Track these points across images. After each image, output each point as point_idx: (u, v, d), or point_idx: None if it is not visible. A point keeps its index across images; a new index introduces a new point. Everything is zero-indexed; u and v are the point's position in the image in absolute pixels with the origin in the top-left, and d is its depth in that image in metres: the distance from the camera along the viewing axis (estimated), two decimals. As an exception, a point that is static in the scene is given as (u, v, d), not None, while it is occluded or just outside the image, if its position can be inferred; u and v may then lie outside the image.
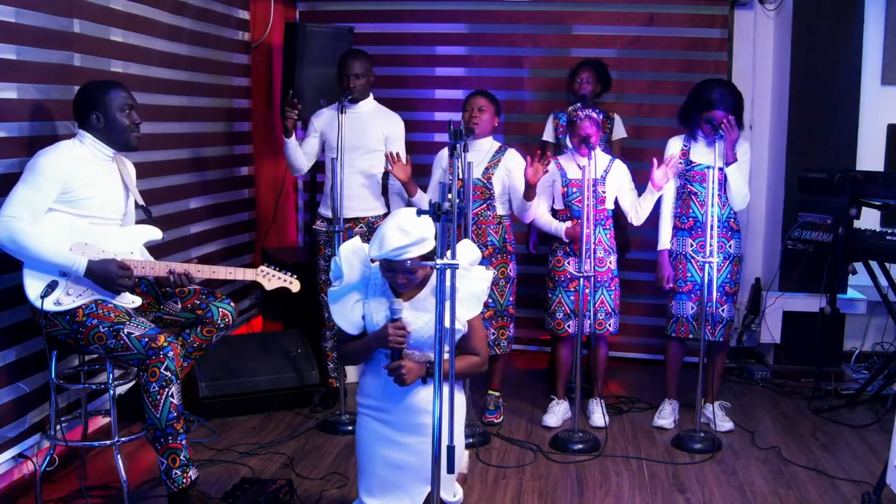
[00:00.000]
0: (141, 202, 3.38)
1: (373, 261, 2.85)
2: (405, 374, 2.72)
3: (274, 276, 3.46)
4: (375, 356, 2.88)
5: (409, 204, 4.29)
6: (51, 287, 3.04)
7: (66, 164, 3.07)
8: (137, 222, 3.45)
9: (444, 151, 4.31)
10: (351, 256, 2.88)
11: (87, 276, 3.07)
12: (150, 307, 3.42)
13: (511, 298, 4.33)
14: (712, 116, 4.02)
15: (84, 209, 3.14)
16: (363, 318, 2.86)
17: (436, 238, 2.73)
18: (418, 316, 2.80)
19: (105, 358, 3.20)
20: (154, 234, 3.38)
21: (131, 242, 3.29)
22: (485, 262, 4.20)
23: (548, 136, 4.94)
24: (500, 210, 4.28)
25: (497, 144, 4.29)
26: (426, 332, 2.78)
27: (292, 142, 4.36)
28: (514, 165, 4.23)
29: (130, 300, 3.24)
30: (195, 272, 3.29)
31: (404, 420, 2.86)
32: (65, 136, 3.32)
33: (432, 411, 2.82)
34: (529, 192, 4.09)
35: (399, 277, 2.74)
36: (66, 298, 3.09)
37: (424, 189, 4.35)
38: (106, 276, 3.09)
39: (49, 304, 3.05)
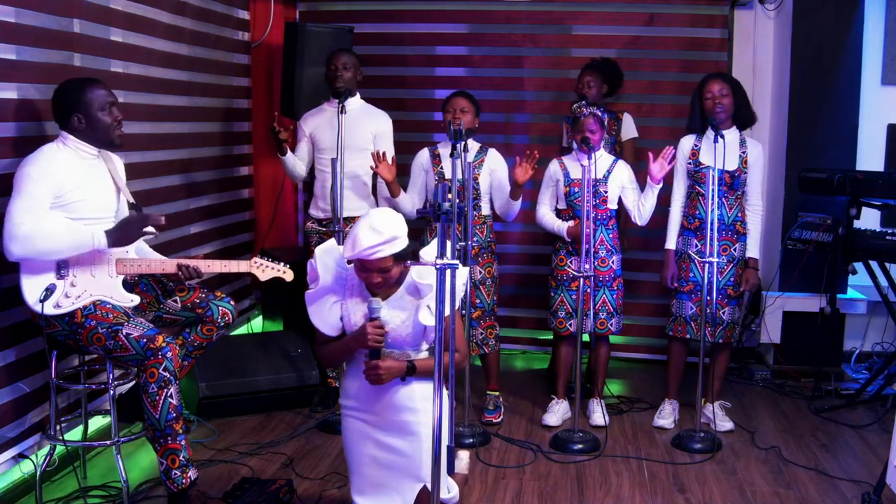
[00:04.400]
0: (130, 199, 3.34)
1: (348, 262, 2.86)
2: (382, 373, 2.75)
3: (267, 266, 3.47)
4: (357, 357, 2.89)
5: (392, 205, 4.26)
6: (49, 291, 3.02)
7: (54, 168, 3.02)
8: None
9: (424, 152, 4.32)
10: (326, 258, 2.88)
11: (111, 244, 3.06)
12: (150, 306, 3.41)
13: (496, 298, 4.34)
14: (709, 91, 4.11)
15: (76, 212, 3.08)
16: (341, 319, 2.86)
17: (409, 237, 2.76)
18: (395, 314, 2.82)
19: (105, 358, 3.20)
20: (148, 230, 3.36)
21: None
22: (471, 262, 4.20)
23: (565, 142, 4.91)
24: (485, 210, 4.28)
25: (478, 145, 4.29)
26: (404, 329, 2.82)
27: (289, 156, 4.39)
28: (496, 165, 4.25)
29: (129, 299, 3.23)
30: (201, 266, 3.31)
31: (387, 419, 2.88)
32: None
33: (415, 408, 2.86)
34: (516, 191, 4.11)
35: (374, 277, 2.76)
36: (66, 301, 3.08)
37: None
38: (127, 230, 3.12)
39: (48, 308, 3.03)
